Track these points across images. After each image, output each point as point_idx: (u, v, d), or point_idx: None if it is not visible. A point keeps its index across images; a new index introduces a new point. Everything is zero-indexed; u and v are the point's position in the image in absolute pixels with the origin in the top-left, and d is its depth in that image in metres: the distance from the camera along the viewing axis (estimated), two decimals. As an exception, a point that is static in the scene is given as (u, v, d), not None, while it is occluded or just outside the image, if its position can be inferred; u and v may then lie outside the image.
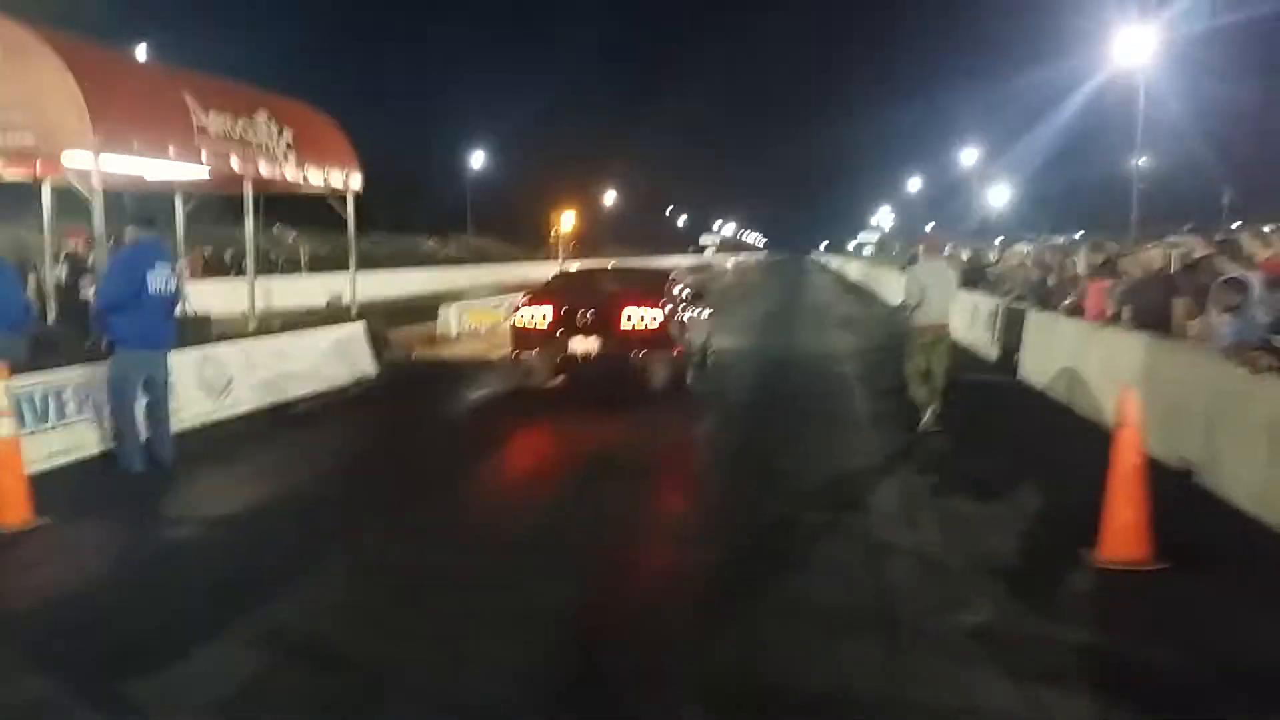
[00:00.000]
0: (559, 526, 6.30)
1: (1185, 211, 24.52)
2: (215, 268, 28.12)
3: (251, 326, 12.28)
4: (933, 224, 59.86)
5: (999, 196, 64.67)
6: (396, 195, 79.20)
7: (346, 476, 7.92)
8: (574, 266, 12.69)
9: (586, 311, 10.60)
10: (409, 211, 77.55)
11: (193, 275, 24.18)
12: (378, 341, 13.10)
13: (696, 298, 12.85)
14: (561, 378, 11.24)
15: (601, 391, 10.91)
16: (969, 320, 15.54)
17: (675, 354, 10.70)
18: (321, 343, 11.74)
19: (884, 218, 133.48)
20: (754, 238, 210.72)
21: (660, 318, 10.51)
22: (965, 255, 19.75)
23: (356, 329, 12.61)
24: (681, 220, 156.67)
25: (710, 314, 13.71)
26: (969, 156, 65.06)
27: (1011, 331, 13.17)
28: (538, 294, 11.73)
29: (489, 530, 6.25)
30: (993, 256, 18.76)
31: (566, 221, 33.74)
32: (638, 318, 10.49)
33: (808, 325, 22.59)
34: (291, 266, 33.50)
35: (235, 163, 10.22)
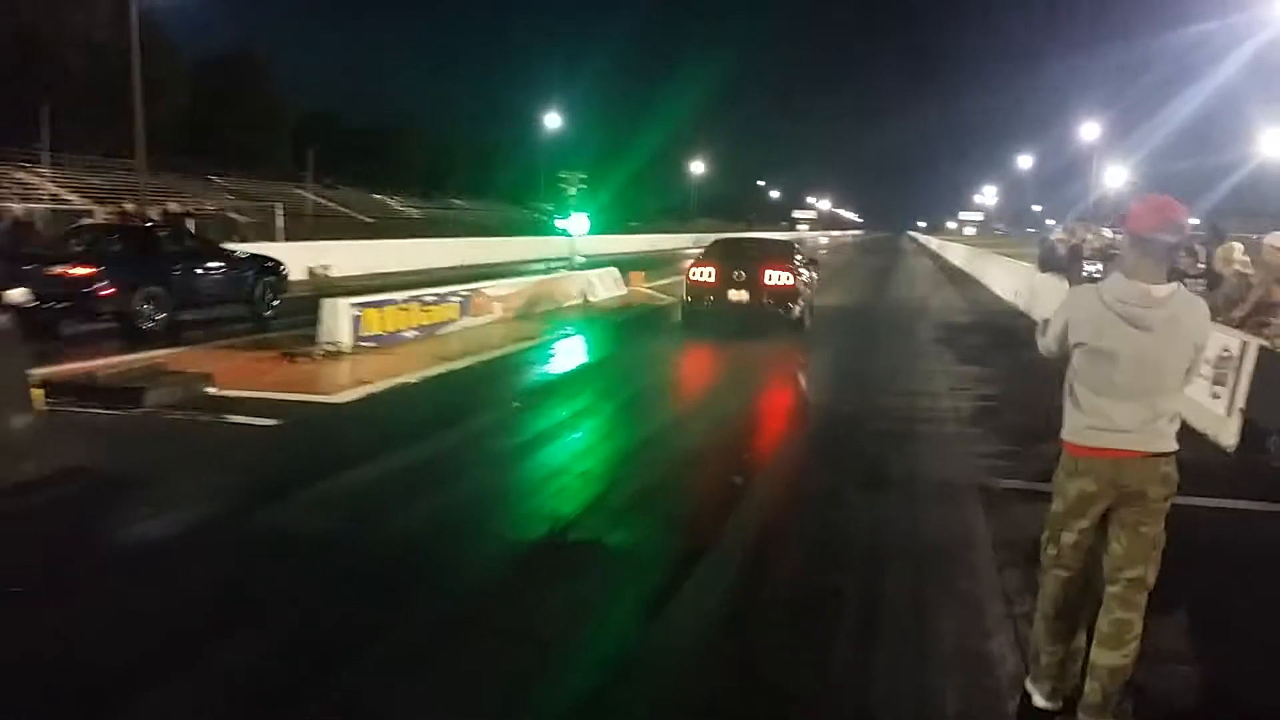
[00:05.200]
0: None
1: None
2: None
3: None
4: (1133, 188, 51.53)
5: (1116, 177, 58.27)
6: (476, 161, 75.91)
7: None
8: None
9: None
10: (484, 179, 73.84)
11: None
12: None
13: (811, 263, 17.72)
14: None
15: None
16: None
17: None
18: None
19: (988, 197, 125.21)
20: (849, 215, 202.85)
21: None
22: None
23: None
24: (775, 194, 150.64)
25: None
26: (1089, 131, 58.74)
27: (1266, 394, 7.05)
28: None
29: None
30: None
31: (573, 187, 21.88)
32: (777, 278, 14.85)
33: (895, 332, 16.61)
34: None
35: None
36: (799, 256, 16.34)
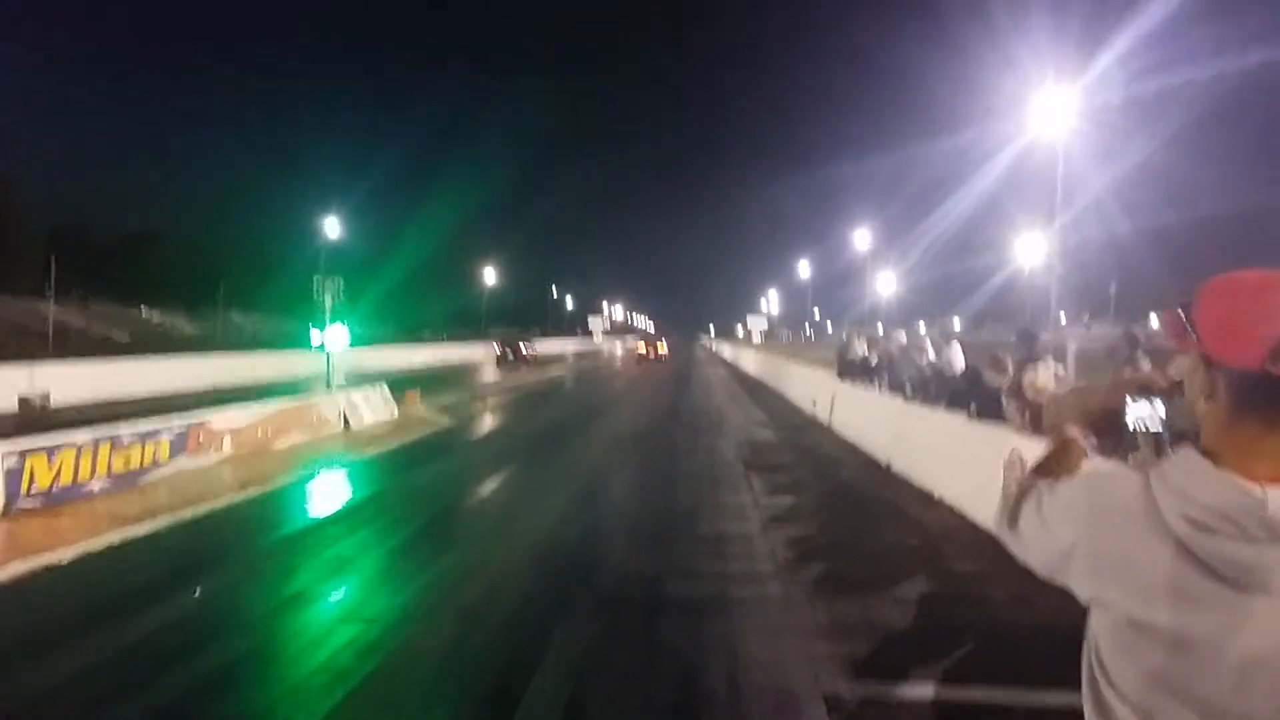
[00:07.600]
0: None
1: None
2: None
3: None
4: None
5: (886, 284, 61.57)
6: (252, 271, 71.02)
7: None
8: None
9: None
10: (260, 290, 69.14)
11: None
12: None
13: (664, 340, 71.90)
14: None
15: None
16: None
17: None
18: None
19: (771, 302, 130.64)
20: (644, 322, 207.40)
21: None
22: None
23: None
24: (569, 301, 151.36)
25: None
26: (861, 239, 62.13)
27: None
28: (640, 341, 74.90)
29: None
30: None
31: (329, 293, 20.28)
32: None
33: (696, 454, 15.07)
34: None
35: None
36: (663, 340, 70.49)
